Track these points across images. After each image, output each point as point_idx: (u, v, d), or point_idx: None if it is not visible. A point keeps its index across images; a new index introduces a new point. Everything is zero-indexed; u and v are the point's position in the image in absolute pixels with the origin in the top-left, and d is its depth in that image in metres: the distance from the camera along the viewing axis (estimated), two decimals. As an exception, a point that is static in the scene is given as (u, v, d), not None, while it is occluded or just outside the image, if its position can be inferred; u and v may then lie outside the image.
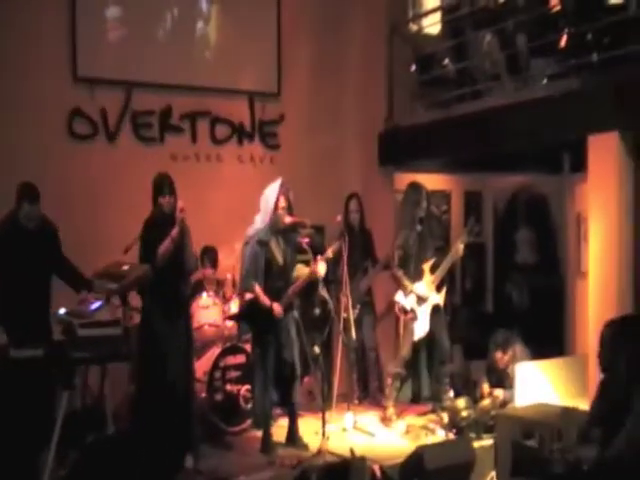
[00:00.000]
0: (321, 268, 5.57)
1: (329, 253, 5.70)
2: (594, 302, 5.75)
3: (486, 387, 6.20)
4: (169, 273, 5.19)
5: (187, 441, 5.19)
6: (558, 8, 6.21)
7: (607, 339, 4.25)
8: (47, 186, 5.35)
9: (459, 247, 6.27)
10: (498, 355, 6.16)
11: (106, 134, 6.49)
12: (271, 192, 5.57)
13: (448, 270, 6.36)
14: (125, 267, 5.35)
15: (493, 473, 5.29)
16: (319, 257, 5.61)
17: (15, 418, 4.63)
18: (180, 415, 5.11)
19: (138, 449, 4.10)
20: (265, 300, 5.50)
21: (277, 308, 5.50)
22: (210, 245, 6.44)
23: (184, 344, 5.30)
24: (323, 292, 5.81)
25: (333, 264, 6.43)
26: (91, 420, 4.77)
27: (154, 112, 6.69)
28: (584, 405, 4.83)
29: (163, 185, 5.26)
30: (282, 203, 5.55)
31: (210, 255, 6.42)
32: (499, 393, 6.03)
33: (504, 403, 5.92)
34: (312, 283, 5.79)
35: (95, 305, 5.07)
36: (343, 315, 6.27)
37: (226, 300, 6.45)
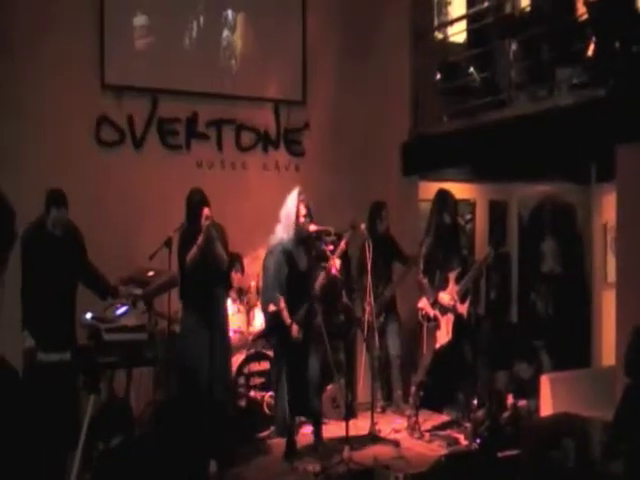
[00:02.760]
0: (336, 264, 5.55)
1: (342, 245, 5.70)
2: (620, 313, 5.70)
3: (510, 397, 6.15)
4: (201, 279, 5.22)
5: (214, 447, 5.19)
6: (585, 16, 6.19)
7: (635, 344, 4.22)
8: (73, 192, 5.41)
9: (488, 255, 6.25)
10: (523, 365, 6.12)
11: (133, 141, 6.54)
12: (290, 202, 5.58)
13: (473, 281, 6.33)
14: (150, 273, 5.40)
15: (517, 484, 5.25)
16: (333, 255, 5.58)
17: (42, 422, 4.65)
18: (214, 420, 5.10)
19: (162, 453, 4.12)
20: (286, 318, 5.49)
21: (295, 331, 5.49)
22: (235, 252, 6.45)
23: (221, 348, 5.30)
24: (346, 299, 5.78)
25: (358, 273, 6.44)
26: (117, 424, 4.79)
27: (180, 119, 6.74)
28: (610, 417, 4.78)
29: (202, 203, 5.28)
30: (303, 211, 5.56)
31: (236, 261, 6.43)
32: (523, 404, 5.99)
33: (528, 414, 5.88)
34: (335, 290, 5.76)
35: (121, 310, 5.11)
36: (367, 323, 6.26)
37: (250, 307, 6.46)
